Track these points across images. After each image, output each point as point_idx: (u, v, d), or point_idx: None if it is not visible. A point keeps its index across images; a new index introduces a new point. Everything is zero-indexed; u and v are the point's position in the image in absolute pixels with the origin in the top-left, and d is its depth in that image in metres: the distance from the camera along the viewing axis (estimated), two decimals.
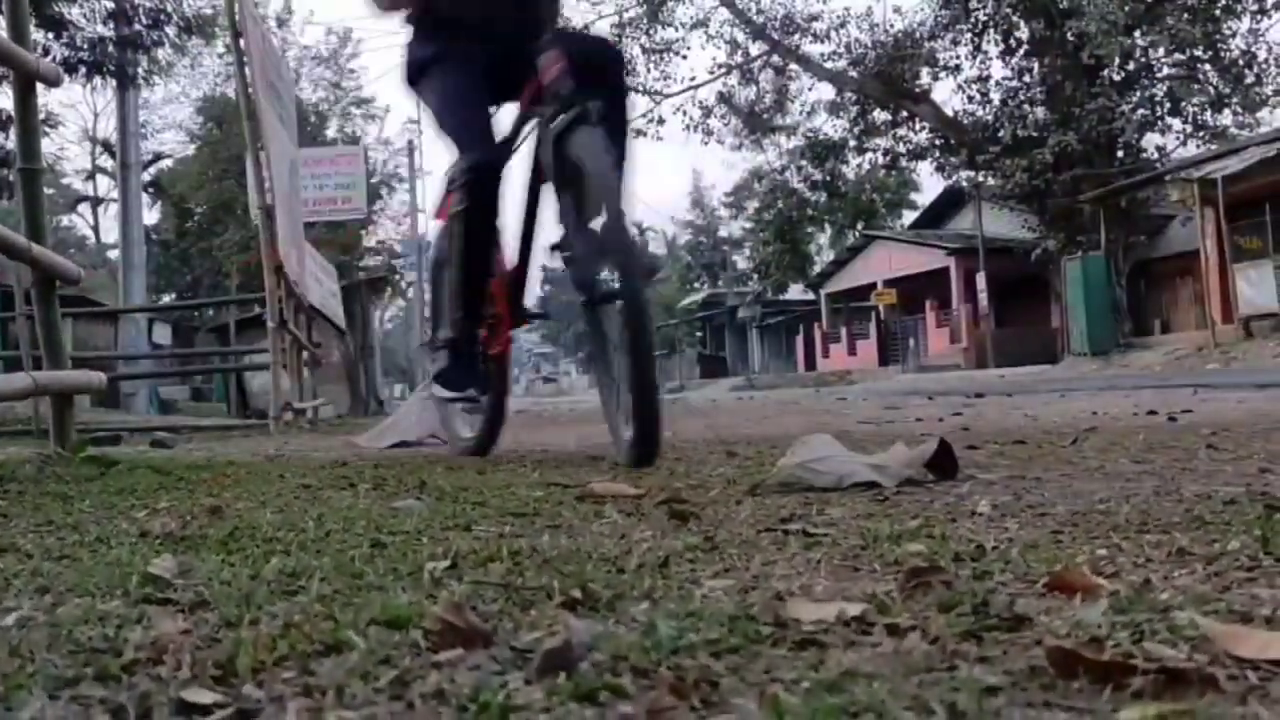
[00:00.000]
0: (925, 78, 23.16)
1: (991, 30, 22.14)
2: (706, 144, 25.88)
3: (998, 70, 22.55)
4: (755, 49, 24.35)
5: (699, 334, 49.05)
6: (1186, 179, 18.73)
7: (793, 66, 24.16)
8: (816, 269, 36.14)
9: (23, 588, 1.08)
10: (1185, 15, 19.00)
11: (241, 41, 6.78)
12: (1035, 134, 20.75)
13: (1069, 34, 19.71)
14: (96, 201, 38.81)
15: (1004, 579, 0.97)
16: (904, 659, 0.71)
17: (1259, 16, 20.06)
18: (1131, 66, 20.77)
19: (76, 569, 1.19)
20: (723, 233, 54.90)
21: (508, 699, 0.64)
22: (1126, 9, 18.71)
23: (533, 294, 3.13)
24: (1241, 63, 20.19)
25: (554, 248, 2.90)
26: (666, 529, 1.38)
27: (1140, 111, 20.59)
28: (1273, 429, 2.81)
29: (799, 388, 20.65)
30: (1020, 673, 0.67)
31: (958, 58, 22.72)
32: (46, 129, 15.75)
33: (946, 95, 35.53)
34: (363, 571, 1.09)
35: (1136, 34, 19.68)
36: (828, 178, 25.81)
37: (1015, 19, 21.64)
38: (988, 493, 1.61)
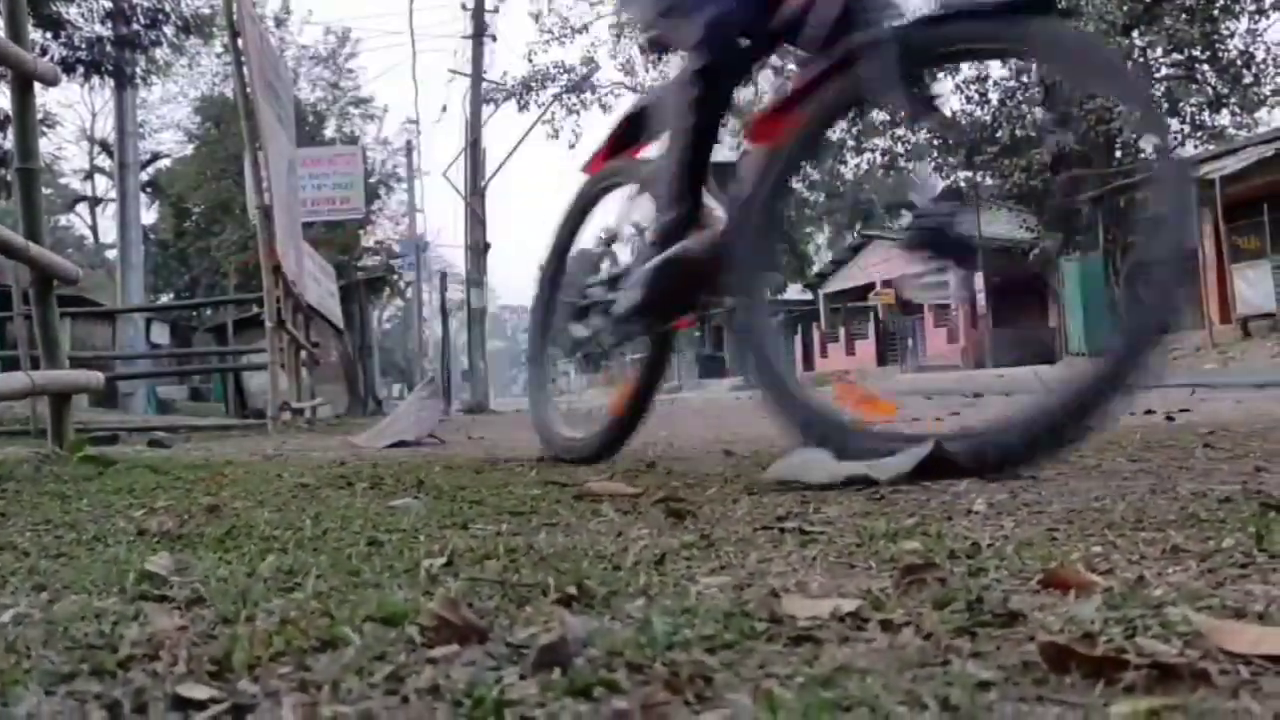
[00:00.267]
0: (923, 77, 23.15)
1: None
2: None
3: (996, 70, 22.59)
4: None
5: (698, 334, 49.04)
6: None
7: (791, 67, 24.16)
8: (815, 269, 36.18)
9: (19, 585, 1.08)
10: (1183, 15, 19.04)
11: (239, 41, 6.79)
12: (1033, 134, 20.77)
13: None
14: (94, 201, 38.80)
15: (998, 575, 0.97)
16: (898, 654, 0.71)
17: (1257, 17, 20.10)
18: (1130, 67, 20.80)
19: (73, 566, 1.19)
20: None
21: (502, 694, 0.64)
22: (1125, 9, 18.74)
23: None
24: (1239, 63, 20.23)
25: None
26: (663, 527, 1.39)
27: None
28: (1270, 428, 2.82)
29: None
30: (1013, 668, 0.67)
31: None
32: (44, 129, 15.75)
33: (945, 95, 35.53)
34: (359, 569, 1.09)
35: (1135, 34, 19.71)
36: (826, 177, 25.84)
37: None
38: (984, 491, 1.61)
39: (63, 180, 38.64)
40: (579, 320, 2.88)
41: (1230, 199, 17.29)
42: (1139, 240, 2.22)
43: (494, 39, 19.66)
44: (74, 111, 53.83)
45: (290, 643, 0.77)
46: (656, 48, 2.86)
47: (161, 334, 22.40)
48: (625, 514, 1.53)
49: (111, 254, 29.64)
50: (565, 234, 3.14)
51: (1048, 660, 0.67)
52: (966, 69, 22.44)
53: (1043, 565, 0.99)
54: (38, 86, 3.35)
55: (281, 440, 5.12)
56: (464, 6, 19.32)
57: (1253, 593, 0.86)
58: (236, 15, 6.74)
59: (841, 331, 34.79)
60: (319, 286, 10.34)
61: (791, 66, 2.55)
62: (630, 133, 2.85)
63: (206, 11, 15.77)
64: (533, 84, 21.86)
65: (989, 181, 23.37)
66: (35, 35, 11.33)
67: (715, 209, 2.46)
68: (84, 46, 12.80)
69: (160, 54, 16.12)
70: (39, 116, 3.50)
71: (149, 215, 32.06)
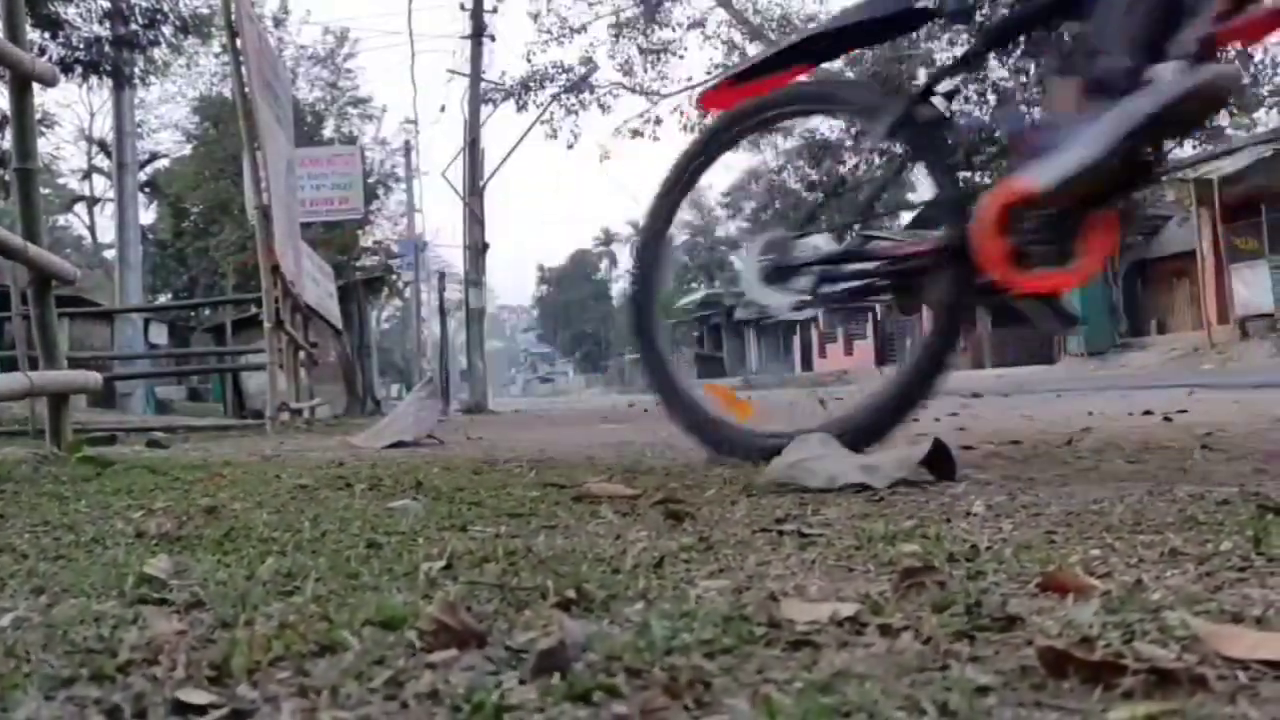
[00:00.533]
0: (922, 78, 23.21)
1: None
2: None
3: (995, 70, 22.58)
4: (752, 49, 24.39)
5: (696, 334, 49.09)
6: (1183, 179, 18.76)
7: None
8: None
9: (18, 588, 1.08)
10: None
11: (238, 41, 6.78)
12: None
13: (1065, 34, 19.71)
14: (93, 201, 38.73)
15: (997, 579, 0.97)
16: (897, 659, 0.71)
17: None
18: None
19: (72, 569, 1.19)
20: (720, 233, 54.95)
21: (502, 699, 0.64)
22: None
23: None
24: (1238, 63, 20.24)
25: None
26: (662, 529, 1.39)
27: None
28: (1268, 429, 2.82)
29: (796, 388, 20.66)
30: (1012, 672, 0.67)
31: (954, 58, 22.75)
32: (42, 129, 15.73)
33: None
34: (358, 572, 1.09)
35: None
36: (825, 178, 25.84)
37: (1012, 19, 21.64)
38: (983, 493, 1.62)
39: (61, 180, 38.58)
40: (777, 283, 2.42)
41: (1229, 199, 17.33)
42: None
43: (493, 39, 19.63)
44: (72, 111, 53.92)
45: (289, 647, 0.77)
46: None
47: (160, 334, 22.38)
48: (624, 516, 1.53)
49: (110, 254, 29.60)
50: (675, 190, 2.66)
51: (1046, 665, 0.67)
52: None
53: (1041, 568, 0.99)
54: (36, 86, 3.35)
55: (280, 441, 5.11)
56: (463, 6, 19.31)
57: (1250, 597, 0.86)
58: (235, 15, 6.74)
59: (840, 332, 34.80)
60: (317, 287, 10.33)
61: None
62: (783, 59, 2.52)
63: (205, 11, 15.75)
64: (531, 84, 21.85)
65: (987, 182, 23.36)
66: (33, 35, 11.32)
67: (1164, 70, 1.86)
68: (82, 46, 12.78)
69: (158, 54, 16.09)
70: (37, 117, 3.50)
71: (147, 215, 32.03)
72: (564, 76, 22.10)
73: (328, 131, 30.79)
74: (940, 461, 1.83)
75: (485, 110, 19.79)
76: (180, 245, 31.46)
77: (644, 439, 3.20)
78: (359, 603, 0.92)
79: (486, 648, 0.77)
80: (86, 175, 38.33)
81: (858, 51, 22.82)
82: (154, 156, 34.23)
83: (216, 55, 26.85)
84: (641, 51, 23.63)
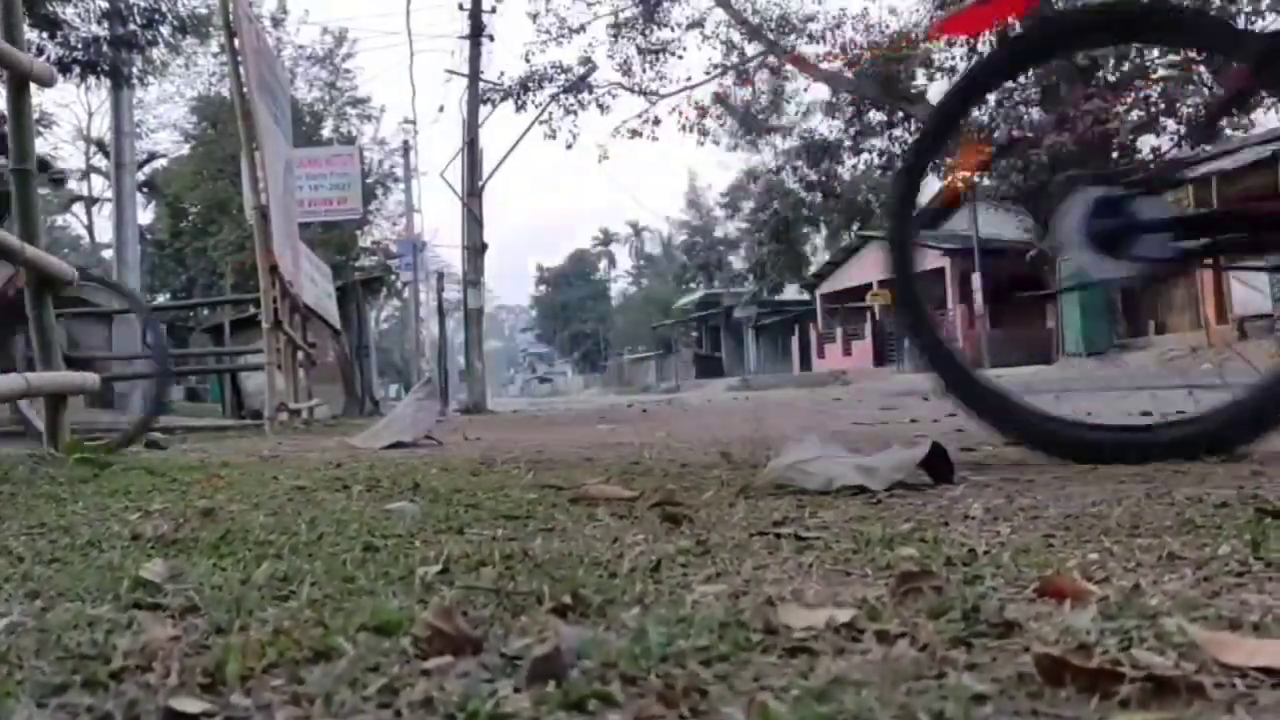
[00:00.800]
0: (921, 78, 23.22)
1: (987, 31, 22.16)
2: (702, 144, 25.97)
3: None
4: (751, 50, 24.38)
5: (695, 334, 49.11)
6: (1182, 179, 18.74)
7: (788, 67, 24.22)
8: (812, 269, 36.18)
9: (13, 592, 1.08)
10: None
11: (236, 41, 6.77)
12: (1030, 134, 20.79)
13: None
14: (91, 201, 38.71)
15: (995, 584, 0.97)
16: (893, 666, 0.71)
17: (1254, 17, 20.11)
18: (1126, 67, 20.81)
19: (67, 573, 1.18)
20: (718, 233, 54.99)
21: (496, 707, 0.64)
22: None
23: None
24: None
25: None
26: (659, 532, 1.38)
27: (1135, 113, 20.64)
28: None
29: (795, 388, 20.67)
30: (1008, 680, 0.67)
31: (953, 59, 22.77)
32: (40, 129, 15.71)
33: None
34: (354, 576, 1.09)
35: None
36: (823, 178, 25.85)
37: (1011, 20, 21.66)
38: (980, 495, 1.61)
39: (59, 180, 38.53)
40: (1114, 247, 2.18)
41: (1227, 200, 17.30)
42: None
43: (491, 39, 19.62)
44: (70, 111, 53.71)
45: (283, 653, 0.77)
46: None
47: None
48: (621, 518, 1.53)
49: (108, 254, 29.58)
50: (935, 140, 2.49)
51: (1043, 673, 0.67)
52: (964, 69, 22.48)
53: (1039, 573, 0.99)
54: (34, 87, 3.34)
55: (278, 441, 5.10)
56: (461, 7, 19.28)
57: (1248, 603, 0.86)
58: (233, 15, 6.73)
59: (839, 332, 34.80)
60: (316, 287, 10.33)
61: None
62: None
63: (203, 11, 15.75)
64: (530, 84, 21.84)
65: (986, 182, 23.38)
66: (31, 35, 11.31)
67: None
68: (80, 46, 12.77)
69: (157, 54, 16.07)
70: (35, 117, 3.50)
71: (145, 215, 32.02)
72: (562, 76, 22.10)
73: (326, 131, 30.81)
74: (938, 463, 1.83)
75: (484, 110, 19.79)
76: (178, 245, 31.48)
77: (642, 439, 3.20)
78: (354, 608, 0.92)
79: (482, 654, 0.77)
80: (85, 175, 38.31)
81: (857, 51, 22.90)
82: (152, 156, 34.23)
83: (214, 55, 26.86)
84: (640, 51, 23.63)
